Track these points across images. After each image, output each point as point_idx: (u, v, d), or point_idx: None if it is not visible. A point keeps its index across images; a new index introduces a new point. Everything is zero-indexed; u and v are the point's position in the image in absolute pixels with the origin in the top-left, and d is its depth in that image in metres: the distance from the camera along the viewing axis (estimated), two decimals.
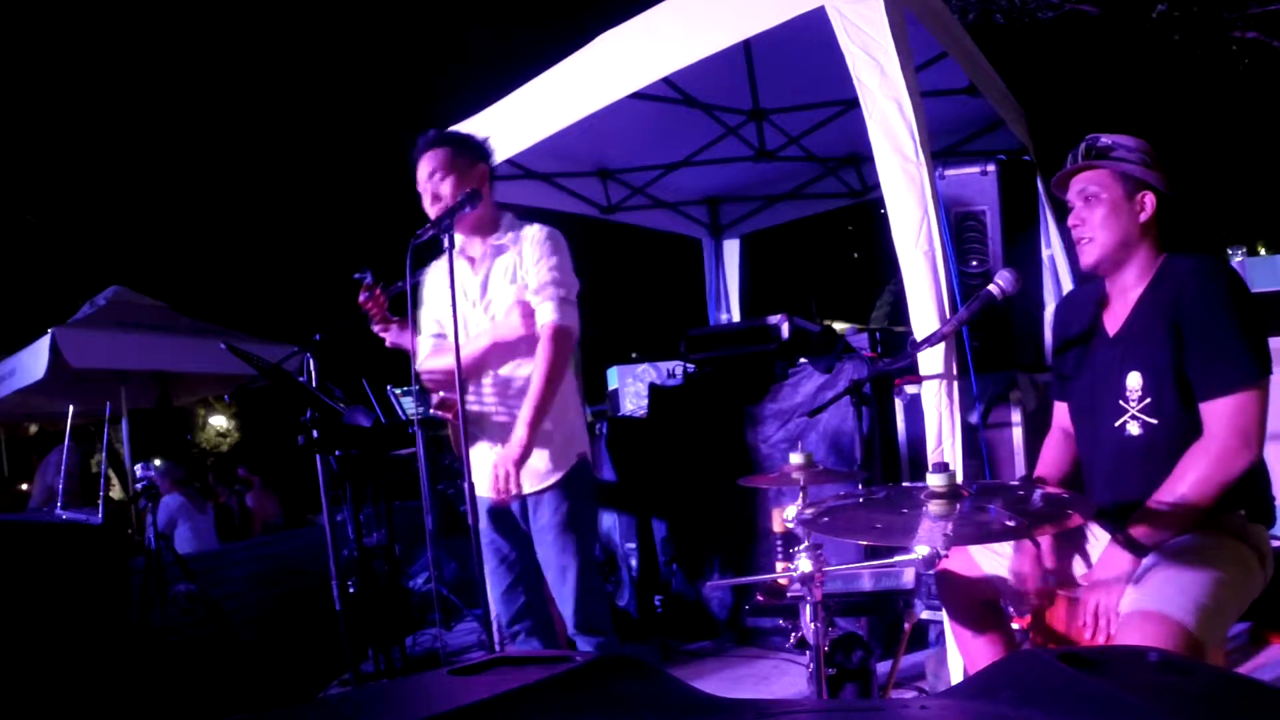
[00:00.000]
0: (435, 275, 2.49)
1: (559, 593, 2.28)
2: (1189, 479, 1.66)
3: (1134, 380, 1.77)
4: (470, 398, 2.34)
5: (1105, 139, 1.85)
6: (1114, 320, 1.86)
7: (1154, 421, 1.75)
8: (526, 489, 2.26)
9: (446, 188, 2.26)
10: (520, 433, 2.16)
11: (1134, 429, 1.78)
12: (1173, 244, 1.85)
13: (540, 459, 2.26)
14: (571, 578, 2.25)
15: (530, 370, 2.24)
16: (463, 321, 2.36)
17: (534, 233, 2.32)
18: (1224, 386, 1.65)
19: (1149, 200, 1.80)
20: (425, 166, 2.30)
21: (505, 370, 2.32)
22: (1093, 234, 1.83)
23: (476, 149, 2.37)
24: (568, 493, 2.27)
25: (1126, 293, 1.84)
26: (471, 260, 2.38)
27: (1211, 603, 1.57)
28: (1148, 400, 1.76)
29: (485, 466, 2.25)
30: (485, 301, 2.35)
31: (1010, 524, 1.33)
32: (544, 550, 2.28)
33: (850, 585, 2.23)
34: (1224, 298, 1.66)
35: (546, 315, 2.23)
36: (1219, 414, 1.66)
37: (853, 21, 2.69)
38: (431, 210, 2.30)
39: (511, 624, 2.37)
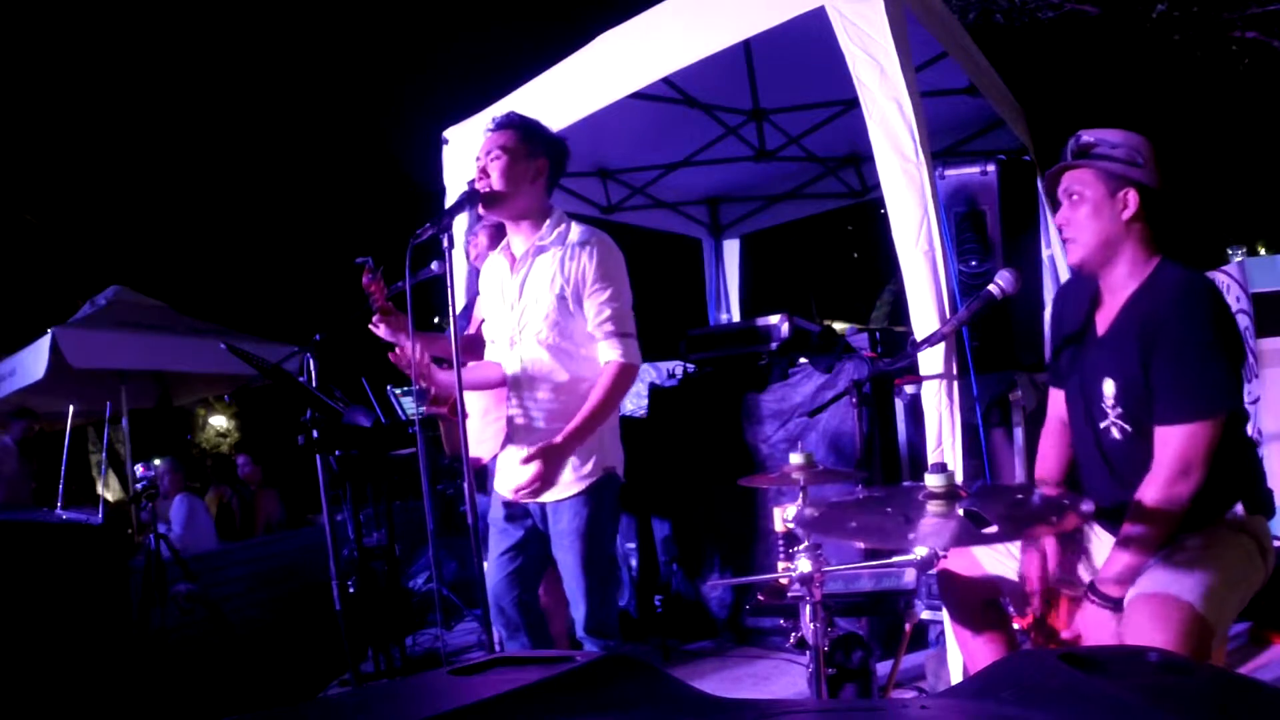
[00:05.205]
0: (488, 273, 2.46)
1: (573, 594, 2.28)
2: (1142, 512, 1.66)
3: (1109, 388, 1.78)
4: (511, 403, 2.33)
5: (1088, 136, 1.83)
6: (1104, 320, 1.86)
7: (1129, 429, 1.76)
8: (549, 497, 2.25)
9: (496, 169, 2.21)
10: (560, 441, 2.14)
11: (1115, 433, 1.79)
12: (1171, 245, 1.84)
13: (564, 468, 2.24)
14: (587, 582, 2.24)
15: (573, 388, 2.24)
16: (500, 323, 2.35)
17: (583, 245, 2.24)
18: (1178, 415, 1.64)
19: (1132, 198, 1.77)
20: (487, 143, 2.26)
21: (550, 382, 2.28)
22: (1076, 233, 1.83)
23: (544, 142, 2.31)
24: (590, 501, 2.25)
25: (1117, 292, 1.84)
26: (513, 259, 2.34)
27: (1219, 586, 1.58)
28: (1119, 409, 1.77)
29: (509, 468, 2.26)
30: (522, 306, 2.29)
31: (1009, 524, 1.33)
32: (561, 554, 2.27)
33: (850, 585, 2.23)
34: (1200, 323, 1.64)
35: (611, 355, 2.21)
36: (1167, 441, 1.65)
37: (853, 21, 2.69)
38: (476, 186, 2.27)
39: (499, 616, 2.35)
